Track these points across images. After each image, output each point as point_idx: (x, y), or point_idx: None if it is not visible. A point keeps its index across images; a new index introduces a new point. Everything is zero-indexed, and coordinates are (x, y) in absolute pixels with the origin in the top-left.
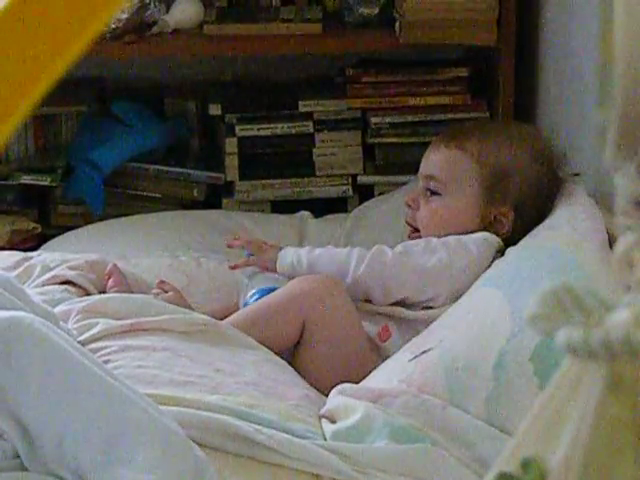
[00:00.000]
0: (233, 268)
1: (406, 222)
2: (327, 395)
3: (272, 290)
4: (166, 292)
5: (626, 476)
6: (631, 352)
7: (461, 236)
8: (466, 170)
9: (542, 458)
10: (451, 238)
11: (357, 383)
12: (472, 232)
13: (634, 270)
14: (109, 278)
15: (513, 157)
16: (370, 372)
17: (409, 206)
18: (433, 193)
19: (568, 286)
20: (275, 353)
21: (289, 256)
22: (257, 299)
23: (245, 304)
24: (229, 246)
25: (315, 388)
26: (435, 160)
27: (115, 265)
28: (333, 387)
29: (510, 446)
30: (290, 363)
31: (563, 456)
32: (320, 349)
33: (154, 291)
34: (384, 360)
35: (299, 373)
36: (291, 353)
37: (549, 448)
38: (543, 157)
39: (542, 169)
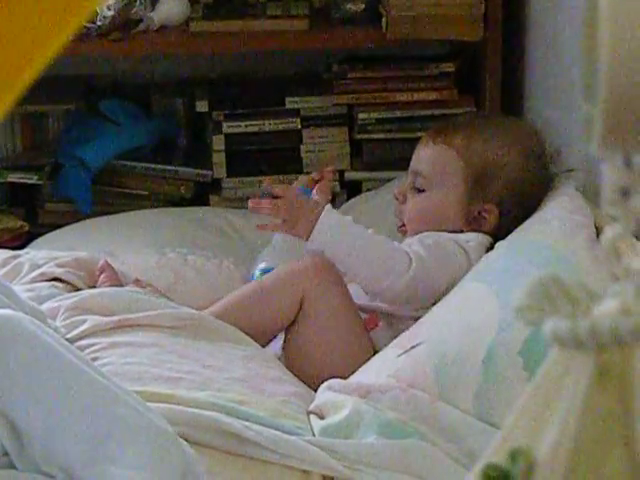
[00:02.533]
0: (261, 228)
1: (395, 215)
2: (316, 391)
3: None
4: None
5: (614, 466)
6: (618, 342)
7: (458, 237)
8: (451, 166)
9: (530, 449)
10: (449, 242)
11: (347, 377)
12: (456, 227)
13: (621, 260)
14: (101, 274)
15: (500, 153)
16: (362, 361)
17: (397, 199)
18: (419, 190)
19: (555, 277)
20: (272, 335)
21: (321, 239)
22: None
23: (252, 277)
24: (260, 228)
25: (304, 382)
26: (422, 156)
27: (107, 261)
28: (323, 381)
29: (498, 437)
30: (281, 357)
31: (551, 447)
32: (315, 324)
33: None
34: (375, 351)
35: (290, 363)
36: (284, 343)
37: (537, 439)
38: (532, 153)
39: (530, 166)
